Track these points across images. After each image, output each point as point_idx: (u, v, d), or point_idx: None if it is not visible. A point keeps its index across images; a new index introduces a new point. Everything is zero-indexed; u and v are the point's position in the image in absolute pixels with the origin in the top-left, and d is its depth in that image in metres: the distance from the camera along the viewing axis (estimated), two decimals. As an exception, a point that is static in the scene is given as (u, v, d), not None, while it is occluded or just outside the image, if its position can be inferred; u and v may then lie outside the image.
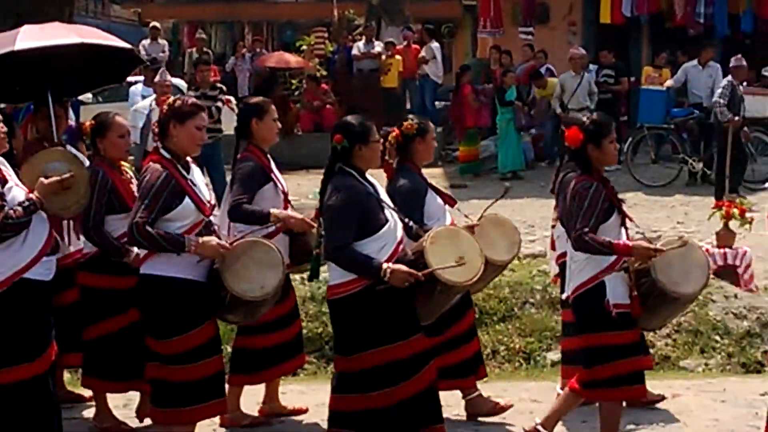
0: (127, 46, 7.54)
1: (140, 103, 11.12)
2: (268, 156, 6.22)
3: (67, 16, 12.43)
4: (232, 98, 11.61)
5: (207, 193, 5.51)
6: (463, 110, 16.24)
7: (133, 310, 5.77)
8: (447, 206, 6.24)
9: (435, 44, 19.54)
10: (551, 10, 19.26)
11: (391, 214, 5.34)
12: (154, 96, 10.57)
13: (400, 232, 5.37)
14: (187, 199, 5.31)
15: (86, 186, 5.65)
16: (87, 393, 6.80)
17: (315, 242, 5.48)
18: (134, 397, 6.50)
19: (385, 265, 5.14)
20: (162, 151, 5.40)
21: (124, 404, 6.61)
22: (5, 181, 5.12)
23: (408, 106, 19.16)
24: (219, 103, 11.50)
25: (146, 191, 5.25)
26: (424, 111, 18.43)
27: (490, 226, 6.18)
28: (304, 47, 19.03)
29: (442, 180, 15.06)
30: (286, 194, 6.22)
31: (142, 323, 5.61)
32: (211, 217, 5.53)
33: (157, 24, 20.34)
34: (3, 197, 5.04)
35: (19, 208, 5.05)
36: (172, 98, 5.54)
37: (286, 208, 6.15)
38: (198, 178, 5.51)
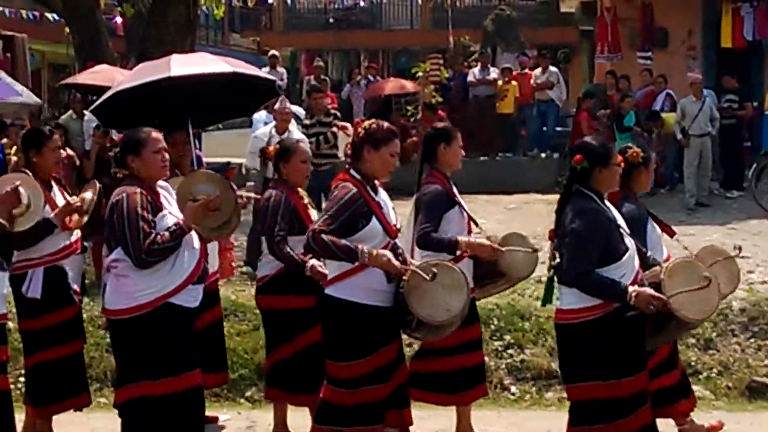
0: (271, 77, 7.65)
1: (260, 129, 11.27)
2: (451, 181, 6.25)
3: (189, 45, 12.75)
4: (347, 124, 11.68)
5: (393, 216, 5.55)
6: (579, 138, 16.01)
7: (317, 328, 5.72)
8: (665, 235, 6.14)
9: (554, 69, 19.37)
10: (670, 34, 18.92)
11: (630, 242, 5.24)
12: (273, 123, 10.71)
13: (637, 261, 5.26)
14: (374, 220, 5.37)
15: (234, 207, 5.70)
16: (214, 414, 6.94)
17: (547, 266, 5.38)
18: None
19: (630, 288, 5.04)
20: (352, 171, 5.48)
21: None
22: (159, 209, 5.26)
23: (523, 132, 19.04)
24: (334, 129, 11.61)
25: (332, 204, 5.33)
26: (540, 137, 18.29)
27: (708, 257, 6.03)
28: (420, 74, 19.07)
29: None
30: (470, 217, 6.24)
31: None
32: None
33: (276, 52, 20.64)
34: (152, 224, 5.17)
35: (166, 233, 5.18)
36: (367, 122, 5.60)
37: (470, 231, 6.18)
38: (386, 200, 5.56)
